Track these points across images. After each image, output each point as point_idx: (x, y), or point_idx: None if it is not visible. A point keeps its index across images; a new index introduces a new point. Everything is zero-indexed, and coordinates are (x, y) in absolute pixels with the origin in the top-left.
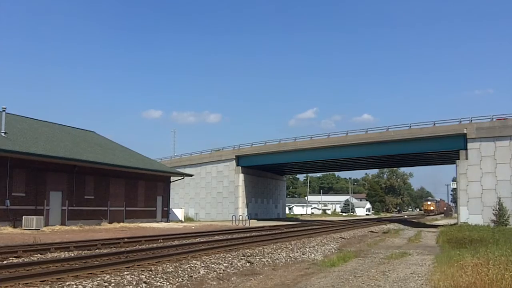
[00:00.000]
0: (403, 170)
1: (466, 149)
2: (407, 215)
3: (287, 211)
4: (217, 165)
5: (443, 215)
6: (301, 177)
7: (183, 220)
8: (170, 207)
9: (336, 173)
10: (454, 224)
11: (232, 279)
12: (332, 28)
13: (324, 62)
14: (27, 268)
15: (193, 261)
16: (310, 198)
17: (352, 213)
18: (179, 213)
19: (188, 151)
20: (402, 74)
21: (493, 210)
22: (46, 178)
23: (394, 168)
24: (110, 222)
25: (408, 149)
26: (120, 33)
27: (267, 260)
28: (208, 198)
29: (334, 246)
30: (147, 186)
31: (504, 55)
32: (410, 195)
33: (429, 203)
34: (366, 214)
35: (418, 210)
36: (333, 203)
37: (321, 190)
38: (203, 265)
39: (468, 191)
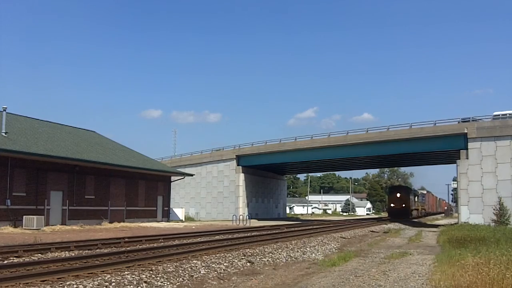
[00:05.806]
0: (404, 169)
1: (466, 148)
2: None
3: (287, 210)
4: (218, 164)
5: (443, 215)
6: (302, 176)
7: (183, 219)
8: (171, 207)
9: (337, 173)
10: (455, 223)
11: (233, 278)
12: (332, 27)
13: (324, 61)
14: (27, 267)
15: (194, 261)
16: (311, 197)
17: (352, 213)
18: (179, 212)
19: (188, 151)
20: (402, 73)
21: (494, 209)
22: (47, 178)
23: (395, 168)
24: (111, 222)
25: (408, 148)
26: (120, 33)
27: (267, 260)
28: (209, 197)
29: (335, 246)
30: (147, 186)
31: (504, 55)
32: None
33: (398, 195)
34: (367, 214)
35: None
36: (333, 202)
37: (322, 190)
38: (203, 264)
39: (469, 191)
